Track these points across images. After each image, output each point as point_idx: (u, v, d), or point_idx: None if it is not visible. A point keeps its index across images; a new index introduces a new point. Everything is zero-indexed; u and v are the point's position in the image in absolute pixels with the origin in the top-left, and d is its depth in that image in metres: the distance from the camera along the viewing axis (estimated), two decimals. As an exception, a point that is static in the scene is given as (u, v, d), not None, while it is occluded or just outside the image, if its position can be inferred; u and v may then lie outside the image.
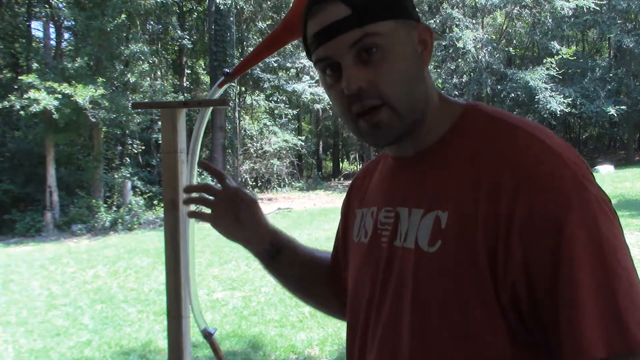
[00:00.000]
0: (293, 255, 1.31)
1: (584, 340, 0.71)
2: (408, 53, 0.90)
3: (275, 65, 22.02)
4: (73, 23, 17.56)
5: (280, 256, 1.29)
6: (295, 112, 25.38)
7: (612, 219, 0.78)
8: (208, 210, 1.34)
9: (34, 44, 20.22)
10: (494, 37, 25.70)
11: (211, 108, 1.52)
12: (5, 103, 14.90)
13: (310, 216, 15.41)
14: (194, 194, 1.35)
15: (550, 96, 22.25)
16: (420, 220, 0.90)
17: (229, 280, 8.24)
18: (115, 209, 16.32)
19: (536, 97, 22.31)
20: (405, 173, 0.99)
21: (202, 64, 26.71)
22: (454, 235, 0.84)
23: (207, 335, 1.56)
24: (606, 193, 0.81)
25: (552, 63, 22.74)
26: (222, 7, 20.35)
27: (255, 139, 24.07)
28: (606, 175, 18.92)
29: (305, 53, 0.99)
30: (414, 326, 0.87)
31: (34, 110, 14.05)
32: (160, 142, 1.52)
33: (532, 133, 0.84)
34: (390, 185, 1.03)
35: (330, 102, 0.98)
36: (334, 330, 5.78)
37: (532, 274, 0.76)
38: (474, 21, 24.51)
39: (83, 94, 14.33)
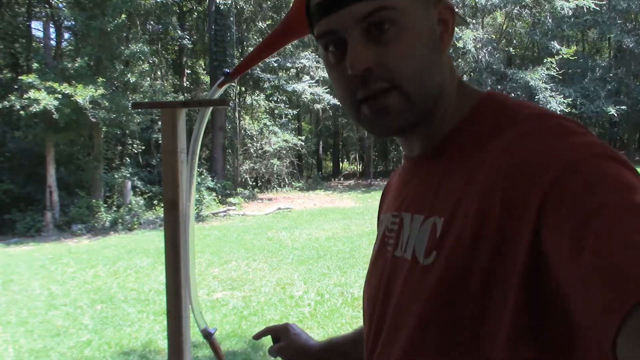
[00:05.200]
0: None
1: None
2: (425, 33, 0.78)
3: (275, 65, 22.00)
4: (73, 23, 17.54)
5: None
6: (295, 112, 25.35)
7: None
8: None
9: (34, 44, 20.23)
10: (494, 37, 25.68)
11: (211, 108, 1.52)
12: (5, 103, 14.89)
13: (310, 216, 15.40)
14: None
15: (550, 96, 22.23)
16: (420, 227, 0.81)
17: (229, 280, 8.25)
18: (115, 209, 16.32)
19: (536, 97, 22.30)
20: (412, 174, 0.92)
21: (202, 64, 26.70)
22: (448, 245, 0.74)
23: (207, 335, 1.56)
24: None
25: (552, 63, 22.73)
26: (222, 7, 20.35)
27: (255, 139, 24.05)
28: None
29: (311, 46, 0.91)
30: (407, 347, 0.79)
31: (34, 110, 14.05)
32: (160, 142, 1.52)
33: (539, 132, 0.72)
34: (400, 188, 0.96)
35: (332, 85, 0.86)
36: (334, 330, 5.78)
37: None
38: (474, 21, 24.50)
39: (83, 94, 14.32)
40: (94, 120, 15.41)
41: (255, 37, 23.40)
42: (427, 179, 0.85)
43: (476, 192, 0.73)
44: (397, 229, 0.89)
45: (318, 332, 5.78)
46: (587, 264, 0.56)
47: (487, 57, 23.62)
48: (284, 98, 24.58)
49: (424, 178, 0.86)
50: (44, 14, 18.24)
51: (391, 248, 0.89)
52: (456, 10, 0.85)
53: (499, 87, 23.91)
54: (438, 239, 0.76)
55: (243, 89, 24.20)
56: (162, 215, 1.54)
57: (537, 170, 0.66)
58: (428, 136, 0.86)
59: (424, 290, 0.76)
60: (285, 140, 23.10)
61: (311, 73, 22.81)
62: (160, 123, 1.72)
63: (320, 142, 32.60)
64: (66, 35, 20.01)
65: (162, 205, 1.49)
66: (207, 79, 25.18)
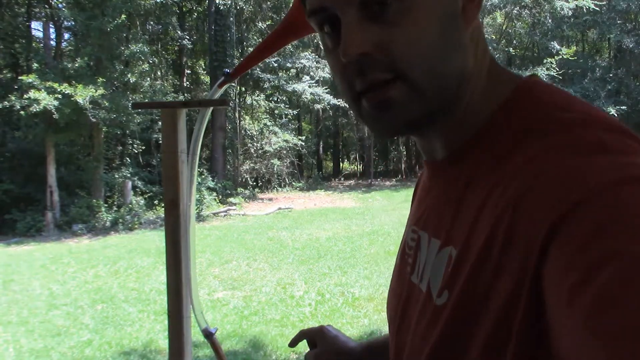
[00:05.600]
0: None
1: None
2: (440, 6, 0.62)
3: (276, 65, 22.02)
4: (73, 23, 17.54)
5: None
6: (295, 112, 25.37)
7: None
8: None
9: (34, 44, 20.22)
10: (494, 37, 25.69)
11: (211, 108, 1.53)
12: (6, 103, 14.90)
13: (310, 216, 15.41)
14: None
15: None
16: (436, 255, 0.68)
17: (230, 280, 8.26)
18: (115, 208, 16.32)
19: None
20: (433, 182, 0.77)
21: (202, 64, 26.70)
22: (457, 288, 0.61)
23: (208, 334, 1.57)
24: None
25: (552, 63, 22.73)
26: (221, 8, 20.35)
27: (255, 139, 24.07)
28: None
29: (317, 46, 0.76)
30: None
31: (34, 110, 14.06)
32: (160, 142, 1.53)
33: (587, 145, 0.55)
34: (422, 197, 0.82)
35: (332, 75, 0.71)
36: (334, 330, 5.78)
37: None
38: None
39: (83, 94, 14.33)
40: (94, 120, 15.42)
41: (255, 38, 23.41)
42: (449, 191, 0.70)
43: (490, 216, 0.59)
44: (415, 247, 0.77)
45: (318, 331, 5.78)
46: (581, 332, 0.44)
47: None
48: (284, 98, 24.60)
49: (445, 190, 0.72)
50: (43, 14, 18.24)
51: (409, 269, 0.78)
52: None
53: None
54: (450, 276, 0.63)
55: (243, 89, 24.21)
56: (163, 215, 1.55)
57: (552, 196, 0.52)
58: (449, 135, 0.70)
59: (434, 333, 0.64)
60: (286, 140, 23.12)
61: (311, 73, 22.82)
62: (160, 123, 1.73)
63: (321, 142, 32.61)
64: (66, 36, 20.04)
65: (163, 205, 1.49)
66: (207, 79, 25.19)
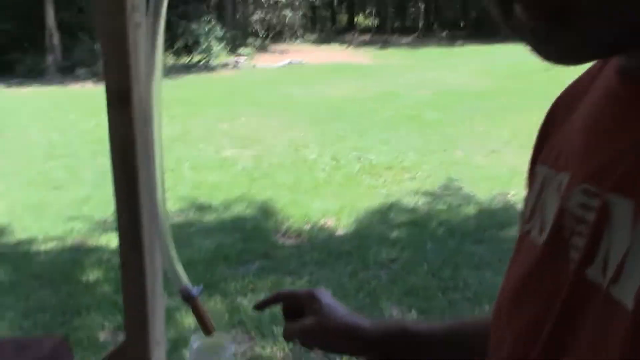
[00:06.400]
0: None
1: None
2: None
3: None
4: None
5: None
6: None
7: None
8: None
9: None
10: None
11: None
12: None
13: (323, 72, 14.62)
14: None
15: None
16: None
17: (239, 138, 7.76)
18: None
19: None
20: (627, 109, 0.47)
21: None
22: None
23: (188, 297, 1.04)
24: None
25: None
26: None
27: (267, -14, 22.72)
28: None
29: None
30: None
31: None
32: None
33: None
34: (602, 133, 0.50)
35: None
36: (351, 200, 5.36)
37: None
38: None
39: None
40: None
41: None
42: None
43: None
44: (594, 223, 0.46)
45: (334, 201, 5.36)
46: None
47: None
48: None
49: None
50: None
51: (576, 255, 0.47)
52: None
53: None
54: None
55: None
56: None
57: None
58: None
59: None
60: (299, -11, 21.89)
61: None
62: None
63: (336, -7, 30.94)
64: None
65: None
66: None
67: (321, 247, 4.33)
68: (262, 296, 3.58)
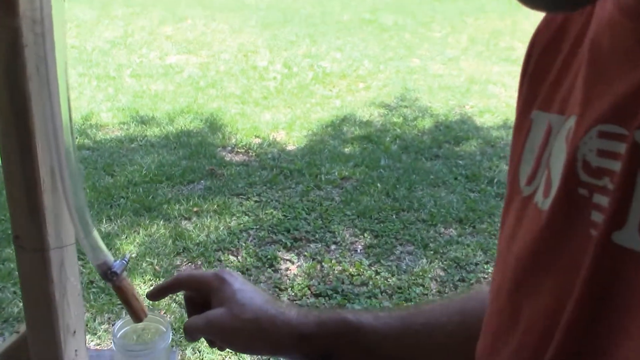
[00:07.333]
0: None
1: None
2: None
3: None
4: None
5: None
6: None
7: None
8: None
9: None
10: None
11: None
12: None
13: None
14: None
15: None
16: None
17: (185, 42, 7.28)
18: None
19: None
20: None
21: None
22: None
23: (110, 274, 0.80)
24: None
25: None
26: None
27: None
28: None
29: None
30: None
31: None
32: None
33: None
34: (614, 70, 0.41)
35: None
36: (302, 112, 5.12)
37: None
38: None
39: None
40: None
41: None
42: None
43: None
44: (623, 171, 0.37)
45: (285, 112, 5.10)
46: None
47: None
48: None
49: None
50: None
51: (600, 217, 0.39)
52: None
53: None
54: None
55: None
56: None
57: None
58: None
59: None
60: None
61: None
62: None
63: None
64: None
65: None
66: None
67: (271, 165, 4.11)
68: (207, 220, 3.39)
